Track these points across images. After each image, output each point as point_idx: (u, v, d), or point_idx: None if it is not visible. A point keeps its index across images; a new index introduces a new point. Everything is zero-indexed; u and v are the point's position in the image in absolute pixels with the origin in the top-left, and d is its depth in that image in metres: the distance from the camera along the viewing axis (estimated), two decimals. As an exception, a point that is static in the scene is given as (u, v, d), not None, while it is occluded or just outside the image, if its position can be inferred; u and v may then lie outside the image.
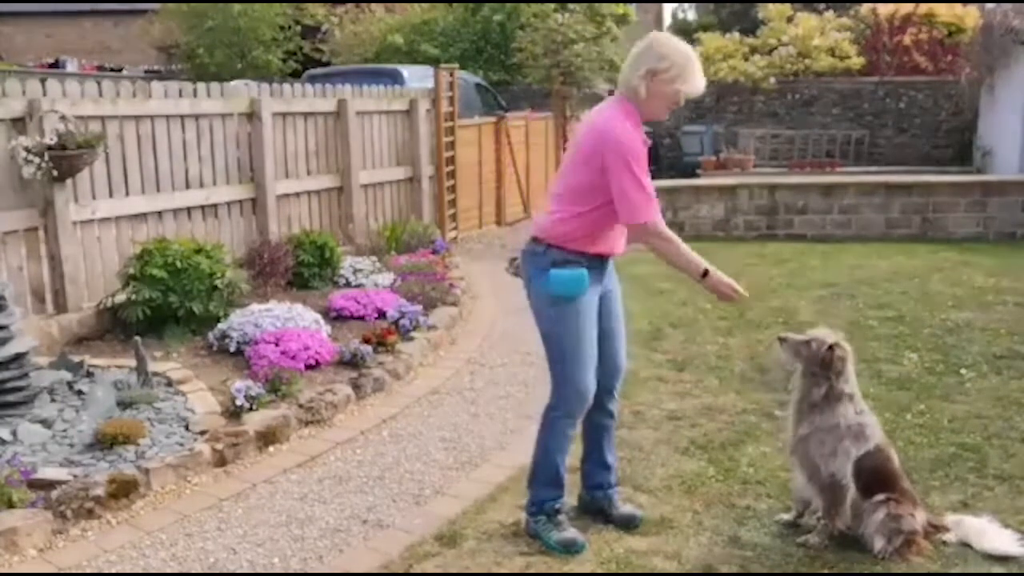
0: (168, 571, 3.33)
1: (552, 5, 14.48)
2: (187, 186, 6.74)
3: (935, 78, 16.64)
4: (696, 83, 3.22)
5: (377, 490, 3.98)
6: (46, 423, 4.33)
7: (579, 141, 3.34)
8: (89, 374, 4.98)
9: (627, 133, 3.18)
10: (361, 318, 6.26)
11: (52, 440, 4.20)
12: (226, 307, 5.90)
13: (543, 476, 3.46)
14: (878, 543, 3.24)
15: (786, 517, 3.55)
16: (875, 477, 3.31)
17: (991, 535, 3.31)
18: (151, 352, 5.32)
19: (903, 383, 5.15)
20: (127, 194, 6.25)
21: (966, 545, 3.31)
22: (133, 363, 4.91)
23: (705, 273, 3.25)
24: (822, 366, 3.32)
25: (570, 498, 3.59)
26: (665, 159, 16.26)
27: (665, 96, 3.22)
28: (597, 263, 3.34)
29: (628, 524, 3.53)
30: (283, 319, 5.63)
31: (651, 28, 24.09)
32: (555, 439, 3.42)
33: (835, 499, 3.31)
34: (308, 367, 5.18)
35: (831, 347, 3.32)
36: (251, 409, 4.55)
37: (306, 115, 7.92)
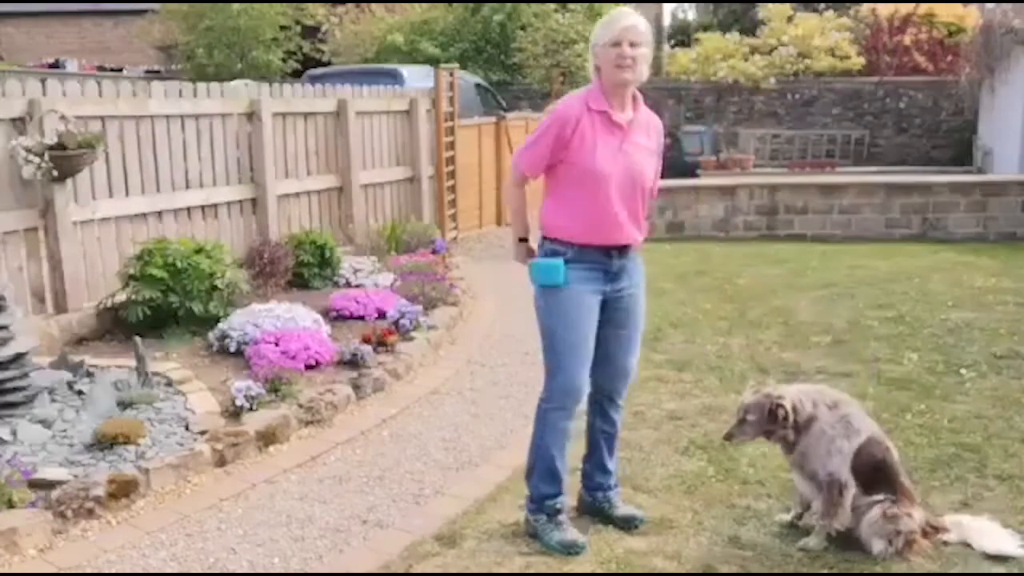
0: (168, 571, 3.33)
1: (552, 5, 14.48)
2: (187, 186, 6.74)
3: (935, 78, 16.65)
4: (610, 28, 3.33)
5: (377, 490, 3.98)
6: (46, 423, 4.33)
7: None
8: (89, 374, 4.98)
9: (563, 103, 3.44)
10: (361, 318, 6.26)
11: (52, 440, 4.20)
12: (226, 307, 5.90)
13: (539, 470, 3.46)
14: (877, 545, 3.24)
15: (786, 517, 3.55)
16: (874, 472, 3.31)
17: (992, 535, 3.31)
18: (151, 352, 5.32)
19: (903, 383, 5.15)
20: (127, 194, 6.26)
21: (966, 545, 3.31)
22: (133, 363, 4.92)
23: (522, 240, 3.58)
24: (773, 421, 3.39)
25: (570, 498, 3.59)
26: (665, 159, 16.25)
27: (609, 59, 3.36)
28: (592, 255, 3.34)
29: (628, 524, 3.54)
30: (283, 319, 5.63)
31: (651, 28, 24.11)
32: (548, 432, 3.43)
33: (833, 498, 3.31)
34: (308, 367, 5.18)
35: (776, 405, 3.38)
36: (251, 409, 4.55)
37: (306, 115, 7.92)
